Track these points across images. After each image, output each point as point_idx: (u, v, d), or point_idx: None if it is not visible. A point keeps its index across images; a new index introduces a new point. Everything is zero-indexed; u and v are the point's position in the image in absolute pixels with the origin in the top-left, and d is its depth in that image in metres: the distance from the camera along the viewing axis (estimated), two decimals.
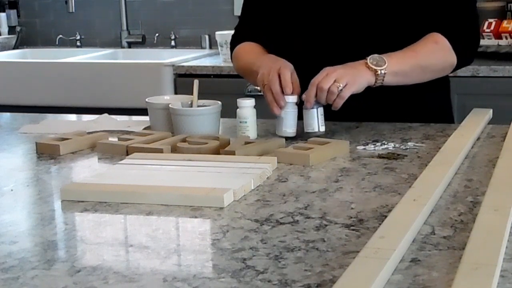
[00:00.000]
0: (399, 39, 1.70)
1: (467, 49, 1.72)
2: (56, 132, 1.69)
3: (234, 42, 1.87)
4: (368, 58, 1.57)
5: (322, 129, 1.56)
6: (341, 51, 1.72)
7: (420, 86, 1.71)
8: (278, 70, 1.58)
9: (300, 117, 1.59)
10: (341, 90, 1.52)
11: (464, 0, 1.74)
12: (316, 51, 1.75)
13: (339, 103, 1.54)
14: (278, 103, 1.57)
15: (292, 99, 1.56)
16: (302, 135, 1.58)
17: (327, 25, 1.74)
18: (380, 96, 1.71)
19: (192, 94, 1.64)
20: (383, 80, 1.58)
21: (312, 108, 1.54)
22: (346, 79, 1.53)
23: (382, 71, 1.57)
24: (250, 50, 1.81)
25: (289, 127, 1.57)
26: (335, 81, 1.52)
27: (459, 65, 1.72)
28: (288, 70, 1.58)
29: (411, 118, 1.75)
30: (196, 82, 1.63)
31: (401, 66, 1.61)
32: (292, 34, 1.78)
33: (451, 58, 1.68)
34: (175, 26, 3.67)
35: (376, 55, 1.58)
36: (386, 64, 1.57)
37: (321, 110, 1.55)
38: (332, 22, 1.73)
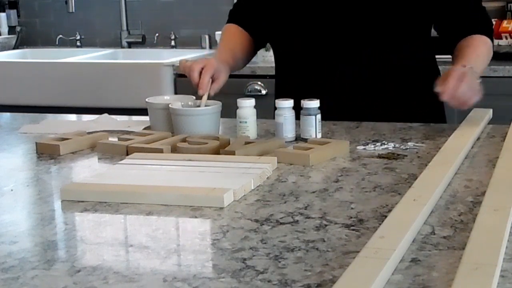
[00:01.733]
0: (397, 34, 1.71)
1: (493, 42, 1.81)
2: (56, 132, 1.69)
3: (230, 17, 1.90)
4: (477, 76, 1.62)
5: (319, 136, 1.56)
6: (339, 46, 1.71)
7: (418, 86, 1.72)
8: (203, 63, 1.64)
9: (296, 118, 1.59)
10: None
11: None
12: (315, 47, 1.75)
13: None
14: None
15: (289, 104, 1.56)
16: (299, 139, 1.58)
17: (326, 21, 1.73)
18: (379, 96, 1.71)
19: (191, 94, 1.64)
20: None
21: (311, 115, 1.54)
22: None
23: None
24: (229, 38, 1.85)
25: (289, 132, 1.57)
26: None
27: None
28: (210, 70, 1.64)
29: (408, 117, 1.75)
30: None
31: (480, 71, 1.68)
32: (290, 29, 1.78)
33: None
34: (175, 26, 3.66)
35: (472, 70, 1.61)
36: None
37: (319, 117, 1.55)
38: (331, 18, 1.73)
